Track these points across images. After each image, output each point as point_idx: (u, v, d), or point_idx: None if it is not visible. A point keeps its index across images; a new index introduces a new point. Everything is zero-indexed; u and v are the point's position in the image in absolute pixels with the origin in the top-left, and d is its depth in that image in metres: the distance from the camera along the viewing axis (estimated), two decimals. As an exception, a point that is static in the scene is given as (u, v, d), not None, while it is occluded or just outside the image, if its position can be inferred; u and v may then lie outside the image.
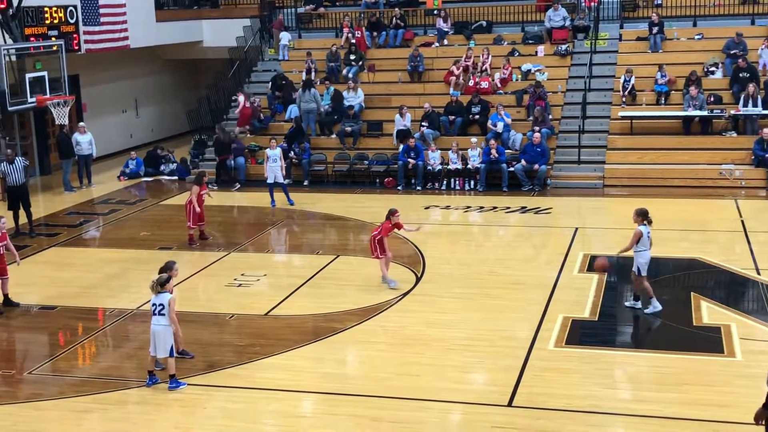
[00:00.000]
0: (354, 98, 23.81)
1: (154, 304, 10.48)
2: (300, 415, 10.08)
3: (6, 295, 13.74)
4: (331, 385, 10.58)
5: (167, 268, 11.01)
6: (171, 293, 10.58)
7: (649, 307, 12.59)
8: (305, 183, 22.33)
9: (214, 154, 23.27)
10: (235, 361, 11.36)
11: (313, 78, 24.76)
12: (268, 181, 20.09)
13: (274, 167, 19.97)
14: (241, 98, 24.33)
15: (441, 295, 13.74)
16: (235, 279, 14.82)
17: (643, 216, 12.47)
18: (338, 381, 10.74)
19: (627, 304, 12.95)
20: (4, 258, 13.65)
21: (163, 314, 10.43)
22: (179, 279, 14.30)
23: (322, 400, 10.26)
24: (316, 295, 13.98)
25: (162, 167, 24.19)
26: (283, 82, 24.88)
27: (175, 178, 23.83)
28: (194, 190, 16.90)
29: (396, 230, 14.49)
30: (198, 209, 16.77)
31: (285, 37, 26.67)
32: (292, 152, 22.46)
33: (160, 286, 10.45)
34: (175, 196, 21.86)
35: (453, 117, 22.98)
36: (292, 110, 23.94)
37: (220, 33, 28.38)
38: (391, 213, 14.27)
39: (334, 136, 23.47)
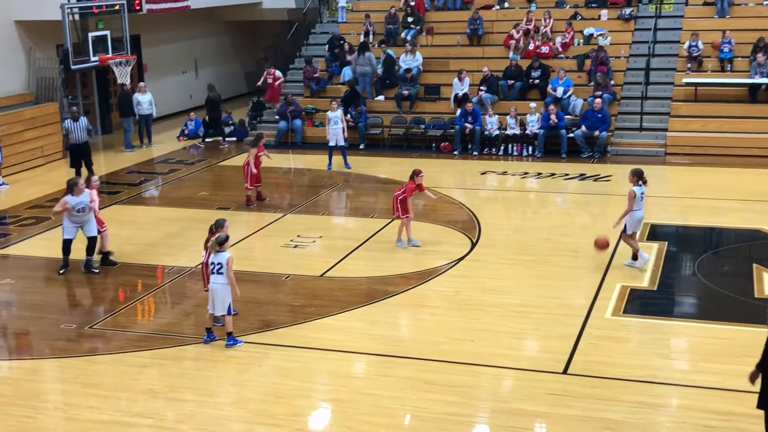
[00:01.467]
0: (412, 61, 23.62)
1: (212, 263, 10.58)
2: (353, 375, 10.14)
3: (104, 253, 13.89)
4: (384, 347, 10.62)
5: (218, 225, 11.03)
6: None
7: (639, 261, 12.87)
8: (361, 146, 22.29)
9: (206, 112, 24.03)
10: (290, 321, 11.46)
11: (370, 41, 24.62)
12: (330, 144, 20.02)
13: (335, 129, 19.83)
14: (268, 75, 24.32)
15: (496, 261, 13.65)
16: (291, 240, 14.91)
17: (638, 176, 12.76)
18: (391, 343, 10.77)
19: (626, 263, 13.06)
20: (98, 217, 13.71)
21: (222, 273, 10.52)
22: (236, 239, 14.47)
23: (376, 361, 10.30)
24: (371, 258, 14.00)
25: (220, 128, 24.35)
26: (340, 43, 24.78)
27: (234, 139, 23.99)
28: (252, 152, 16.99)
29: (419, 191, 14.39)
30: (255, 170, 16.87)
31: (342, -1, 26.58)
32: (348, 115, 22.42)
33: (219, 245, 10.52)
34: (233, 157, 22.02)
35: (512, 81, 22.68)
36: (346, 73, 23.86)
37: (280, -6, 28.36)
38: (415, 173, 14.22)
39: (381, 98, 23.32)
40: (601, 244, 13.06)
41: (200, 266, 11.53)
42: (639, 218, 12.90)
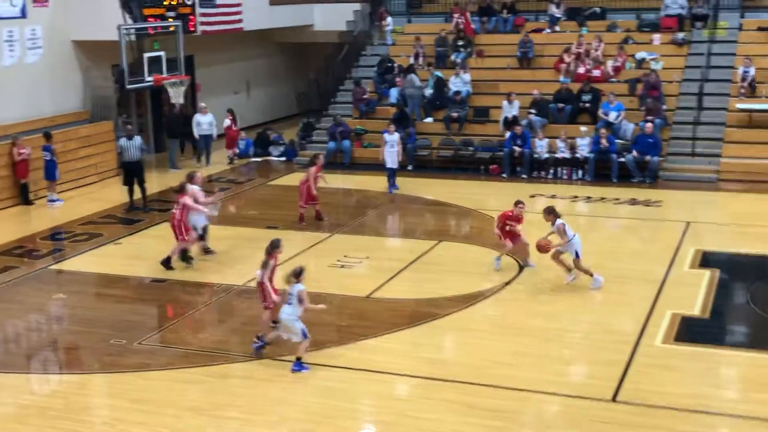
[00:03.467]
0: (461, 84, 23.65)
1: (288, 293, 10.57)
2: (397, 397, 10.11)
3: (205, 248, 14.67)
4: (428, 369, 10.57)
5: (274, 246, 11.19)
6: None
7: (593, 284, 13.07)
8: (409, 167, 22.29)
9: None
10: (335, 341, 11.48)
11: (420, 63, 24.71)
12: (387, 166, 20.03)
13: (392, 152, 19.87)
14: (227, 120, 23.99)
15: (544, 286, 13.53)
16: (337, 260, 14.95)
17: (552, 213, 13.22)
18: (436, 366, 10.72)
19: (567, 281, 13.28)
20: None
21: (291, 303, 10.50)
22: (284, 258, 14.55)
23: (420, 384, 10.26)
24: (417, 280, 13.99)
25: (271, 149, 24.60)
26: (388, 65, 24.92)
27: (284, 159, 24.19)
28: (311, 171, 17.15)
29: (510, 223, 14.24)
30: (314, 191, 17.01)
31: (389, 22, 26.71)
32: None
33: (295, 277, 10.52)
34: (282, 176, 22.19)
35: (562, 105, 22.57)
36: (393, 95, 23.96)
37: (331, 17, 28.62)
38: (516, 204, 14.41)
39: (430, 119, 23.38)
40: (542, 246, 13.38)
41: (257, 284, 11.54)
42: (578, 241, 13.16)
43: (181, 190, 14.56)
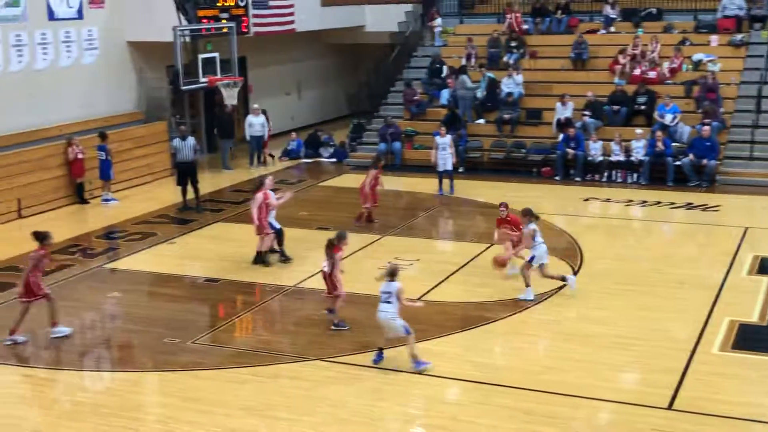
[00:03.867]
0: (513, 85, 23.45)
1: (382, 292, 10.64)
2: (450, 401, 10.03)
3: (258, 252, 14.75)
4: (481, 374, 10.46)
5: (341, 237, 11.72)
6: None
7: (523, 295, 12.78)
8: (460, 170, 22.12)
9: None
10: (386, 344, 11.40)
11: (472, 64, 24.58)
12: (438, 169, 19.94)
13: (444, 155, 19.77)
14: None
15: (598, 291, 13.33)
16: (388, 262, 14.85)
17: (529, 215, 12.88)
18: (488, 371, 10.60)
19: (518, 298, 12.89)
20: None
21: (390, 302, 10.54)
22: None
23: (473, 388, 10.15)
24: (468, 283, 13.87)
25: (321, 150, 24.65)
26: (437, 66, 24.82)
27: (334, 160, 24.23)
28: (371, 173, 17.17)
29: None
30: (372, 191, 17.13)
31: (440, 23, 26.61)
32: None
33: (390, 276, 10.62)
34: (333, 178, 22.22)
35: (617, 107, 22.25)
36: (444, 96, 23.84)
37: (382, 18, 28.61)
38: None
39: (481, 121, 23.22)
40: (499, 262, 13.54)
41: (324, 276, 11.95)
42: (545, 250, 12.86)
43: (258, 188, 14.77)
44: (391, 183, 21.73)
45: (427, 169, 20.55)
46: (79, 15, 20.83)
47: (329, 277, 11.81)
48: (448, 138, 19.96)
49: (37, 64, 19.79)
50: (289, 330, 12.17)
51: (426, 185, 20.36)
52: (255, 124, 23.61)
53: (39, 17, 19.68)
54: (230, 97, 21.75)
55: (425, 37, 27.29)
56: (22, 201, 18.29)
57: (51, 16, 20.09)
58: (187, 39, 20.48)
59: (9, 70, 19.05)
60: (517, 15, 25.67)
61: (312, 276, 13.86)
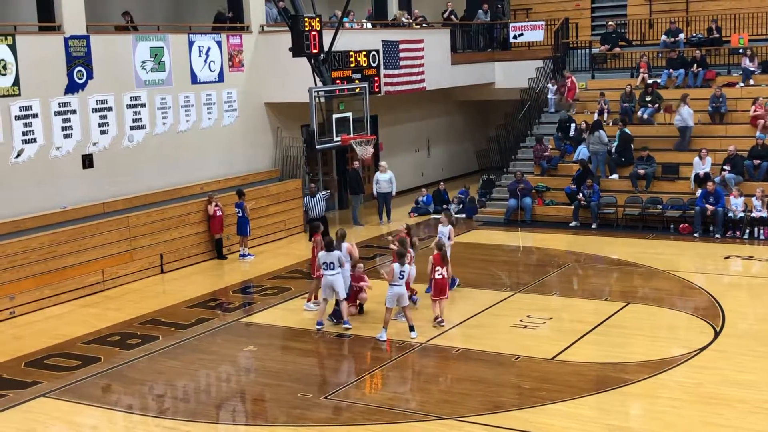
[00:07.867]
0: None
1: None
2: (585, 467, 9.70)
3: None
4: (619, 438, 10.10)
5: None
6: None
7: (380, 334, 13.82)
8: (593, 226, 21.75)
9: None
10: (518, 404, 11.20)
11: (605, 119, 24.22)
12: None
13: None
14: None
15: (743, 353, 12.69)
16: (520, 320, 14.68)
17: (400, 256, 13.89)
18: (627, 435, 10.22)
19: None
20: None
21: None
22: (466, 315, 14.56)
23: (610, 453, 9.80)
24: (604, 343, 13.47)
25: (452, 206, 24.66)
26: (568, 124, 24.57)
27: (463, 216, 24.19)
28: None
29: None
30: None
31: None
32: (581, 194, 22.02)
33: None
34: (462, 233, 22.16)
35: (758, 161, 21.39)
36: (581, 151, 23.53)
37: (512, 74, 28.60)
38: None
39: (615, 176, 22.75)
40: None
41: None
42: (394, 292, 13.88)
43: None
44: (522, 239, 21.57)
45: (558, 224, 20.25)
46: (220, 78, 21.79)
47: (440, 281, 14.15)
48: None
49: (180, 125, 20.76)
50: (420, 388, 12.09)
51: (557, 241, 20.03)
52: (381, 181, 23.93)
53: (182, 81, 20.68)
54: (364, 154, 22.11)
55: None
56: (164, 256, 19.05)
57: (194, 80, 21.09)
58: (322, 99, 21.05)
59: (155, 132, 20.05)
60: (644, 66, 25.11)
61: (441, 334, 13.81)
